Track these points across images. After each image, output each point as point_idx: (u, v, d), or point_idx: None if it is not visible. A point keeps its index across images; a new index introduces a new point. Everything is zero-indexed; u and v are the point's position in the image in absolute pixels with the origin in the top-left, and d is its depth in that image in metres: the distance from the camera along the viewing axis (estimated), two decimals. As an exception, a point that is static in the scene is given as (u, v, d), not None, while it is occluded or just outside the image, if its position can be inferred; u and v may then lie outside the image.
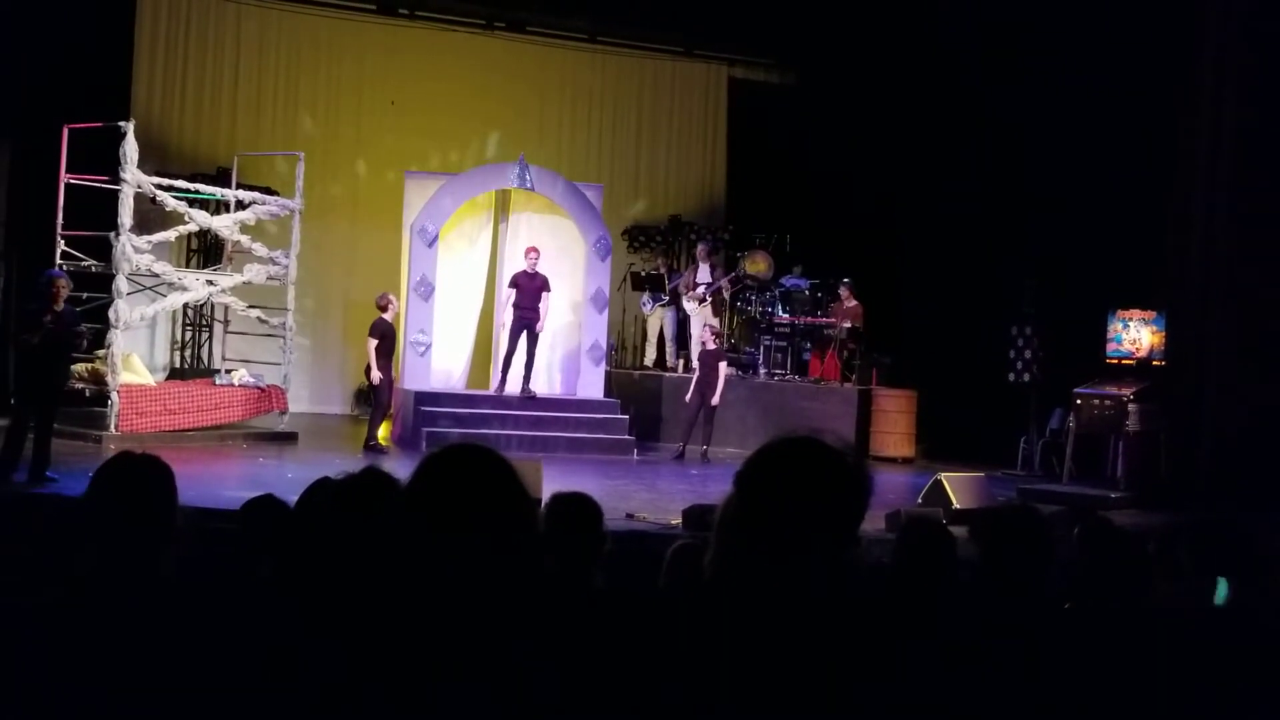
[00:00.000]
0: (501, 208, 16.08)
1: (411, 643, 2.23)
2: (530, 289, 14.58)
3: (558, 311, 15.68)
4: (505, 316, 14.89)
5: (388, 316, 13.78)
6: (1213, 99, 12.70)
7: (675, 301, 17.05)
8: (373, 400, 14.12)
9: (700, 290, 16.51)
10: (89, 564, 2.86)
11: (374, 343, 13.59)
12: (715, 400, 14.51)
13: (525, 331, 14.58)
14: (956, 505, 10.38)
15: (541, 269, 14.75)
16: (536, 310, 14.55)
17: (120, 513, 2.89)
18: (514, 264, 15.76)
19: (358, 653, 2.27)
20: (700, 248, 17.06)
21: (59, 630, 2.66)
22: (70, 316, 10.70)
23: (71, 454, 11.44)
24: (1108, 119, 14.19)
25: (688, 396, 14.78)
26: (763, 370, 16.53)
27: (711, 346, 14.85)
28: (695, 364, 15.30)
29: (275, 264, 14.51)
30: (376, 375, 13.58)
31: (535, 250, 14.84)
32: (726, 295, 16.72)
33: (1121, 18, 13.63)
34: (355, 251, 17.73)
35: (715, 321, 16.68)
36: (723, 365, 14.79)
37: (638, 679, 2.25)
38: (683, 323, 16.84)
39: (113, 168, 12.92)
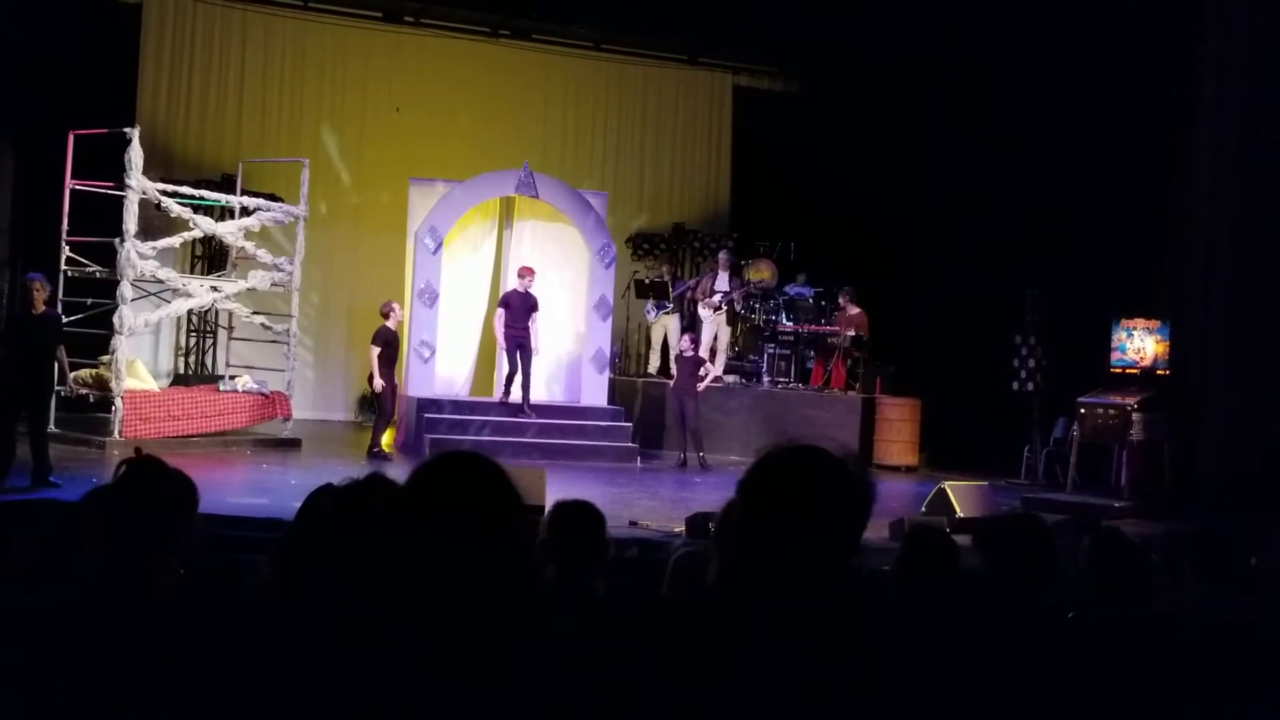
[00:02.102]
0: (506, 215, 16.09)
1: (411, 647, 2.23)
2: (522, 309, 14.51)
3: (561, 319, 15.67)
4: (499, 336, 14.77)
5: (390, 324, 13.78)
6: (1214, 106, 12.71)
7: (679, 309, 17.04)
8: (376, 407, 14.12)
9: (717, 298, 16.51)
10: (92, 567, 2.86)
11: (376, 350, 13.60)
12: (694, 402, 14.49)
13: (520, 350, 14.48)
14: (960, 514, 10.36)
15: (535, 290, 14.68)
16: (527, 329, 14.47)
17: (136, 518, 2.88)
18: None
19: (357, 657, 2.27)
20: (721, 256, 17.03)
21: (61, 633, 2.66)
22: (51, 319, 10.54)
23: (74, 459, 11.46)
24: (1111, 126, 14.18)
25: (669, 404, 14.71)
26: (766, 378, 16.51)
27: (689, 354, 14.80)
28: (673, 370, 15.20)
29: (279, 270, 14.53)
30: (379, 383, 13.57)
31: (530, 270, 14.78)
32: (739, 306, 16.73)
33: (1123, 27, 13.63)
34: (359, 258, 17.74)
35: (727, 331, 16.72)
36: (701, 370, 14.79)
37: (639, 687, 2.25)
38: (687, 330, 16.83)
39: (118, 174, 12.95)
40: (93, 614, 2.71)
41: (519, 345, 14.47)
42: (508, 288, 15.72)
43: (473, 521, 2.28)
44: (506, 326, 14.53)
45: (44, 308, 10.41)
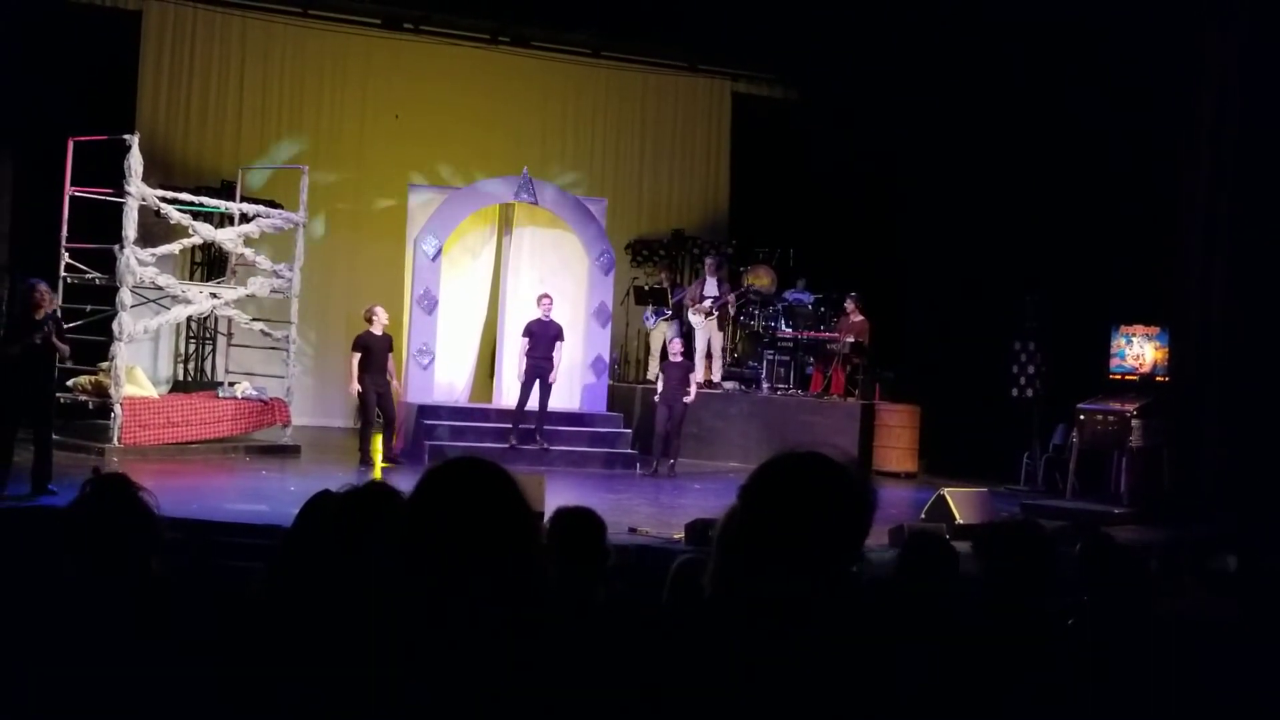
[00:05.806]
0: (505, 221, 16.07)
1: (410, 656, 2.23)
2: (544, 337, 14.22)
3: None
4: (519, 365, 14.35)
5: (375, 330, 13.78)
6: (1215, 111, 12.72)
7: (678, 315, 17.03)
8: (361, 415, 14.15)
9: (707, 304, 16.49)
10: (71, 576, 2.86)
11: (356, 356, 13.64)
12: (683, 407, 14.25)
13: (539, 380, 14.18)
14: (960, 520, 10.37)
15: (555, 316, 14.45)
16: (550, 359, 14.20)
17: (101, 530, 2.87)
18: (517, 278, 15.77)
19: (354, 664, 2.27)
20: (708, 261, 17.02)
21: (41, 639, 2.66)
22: (54, 326, 10.37)
23: (74, 466, 11.41)
24: (1111, 131, 14.19)
25: (657, 410, 14.43)
26: (765, 385, 16.49)
27: (678, 359, 14.67)
28: (661, 375, 14.83)
29: (279, 277, 14.53)
30: (354, 388, 13.64)
31: (548, 297, 14.49)
32: (732, 310, 16.72)
33: (1122, 33, 13.64)
34: (359, 264, 17.73)
35: (720, 336, 16.69)
36: (692, 377, 14.69)
37: (638, 694, 2.25)
38: (686, 336, 16.82)
39: (117, 180, 12.94)
40: (73, 620, 2.71)
41: (539, 375, 14.13)
42: (507, 294, 15.73)
43: (481, 527, 2.28)
44: (529, 356, 14.18)
45: (47, 314, 10.26)
